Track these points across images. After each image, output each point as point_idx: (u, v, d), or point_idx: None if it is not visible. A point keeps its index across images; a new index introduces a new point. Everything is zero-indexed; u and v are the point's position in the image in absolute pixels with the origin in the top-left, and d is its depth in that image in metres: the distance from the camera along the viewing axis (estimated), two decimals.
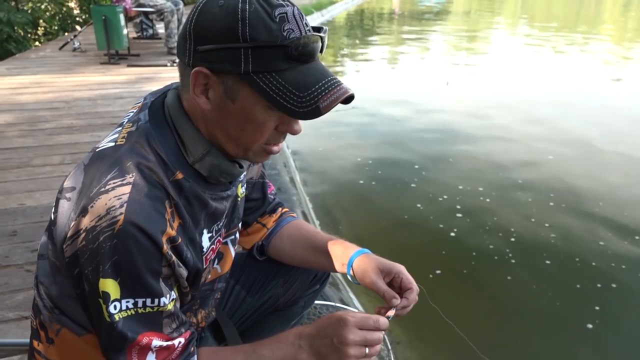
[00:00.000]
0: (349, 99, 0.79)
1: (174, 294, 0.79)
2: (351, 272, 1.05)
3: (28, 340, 1.42)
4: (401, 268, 1.01)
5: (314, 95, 0.73)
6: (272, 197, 1.19)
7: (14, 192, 2.57)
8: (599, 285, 2.48)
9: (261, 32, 0.71)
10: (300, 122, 0.81)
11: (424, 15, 17.32)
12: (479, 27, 14.93)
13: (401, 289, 0.99)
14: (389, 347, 1.86)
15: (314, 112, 0.73)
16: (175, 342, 0.78)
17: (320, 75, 0.76)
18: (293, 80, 0.73)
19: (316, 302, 1.85)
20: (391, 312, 0.95)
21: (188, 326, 0.82)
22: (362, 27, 14.23)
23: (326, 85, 0.75)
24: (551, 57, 9.34)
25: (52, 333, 0.84)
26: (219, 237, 0.94)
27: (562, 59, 9.09)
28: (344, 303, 2.02)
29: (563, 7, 23.51)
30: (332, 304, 1.92)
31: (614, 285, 2.48)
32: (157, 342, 0.76)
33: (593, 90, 6.86)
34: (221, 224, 0.94)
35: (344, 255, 1.07)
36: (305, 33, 0.74)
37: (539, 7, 23.93)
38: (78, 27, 8.86)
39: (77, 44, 6.45)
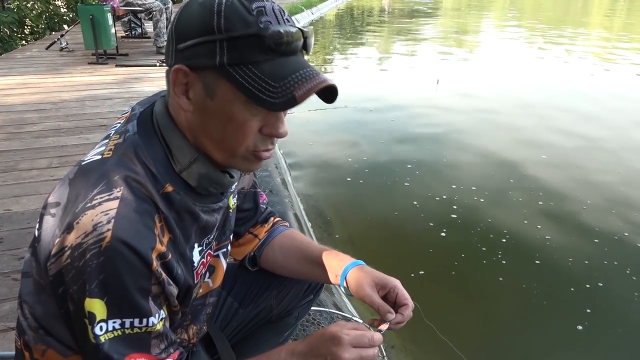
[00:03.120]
0: (331, 94, 0.77)
1: (163, 313, 0.76)
2: (345, 284, 1.03)
3: (14, 352, 1.38)
4: (397, 283, 0.99)
5: (290, 84, 0.71)
6: (264, 206, 1.16)
7: None
8: (588, 286, 2.48)
9: (236, 23, 0.70)
10: (287, 125, 0.79)
11: (413, 13, 17.32)
12: (469, 24, 14.96)
13: (396, 304, 0.97)
14: (384, 352, 1.85)
15: (290, 101, 0.71)
16: None
17: (297, 65, 0.73)
18: (269, 72, 0.71)
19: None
20: (384, 326, 0.93)
21: (177, 346, 0.80)
22: (352, 24, 14.21)
23: (303, 75, 0.72)
24: (542, 54, 9.37)
25: (37, 354, 0.81)
26: (209, 250, 0.92)
27: (553, 55, 9.12)
28: (337, 308, 2.00)
29: (552, 1, 23.63)
30: (326, 309, 1.90)
31: (600, 284, 2.49)
32: None
33: (585, 86, 6.90)
34: (212, 237, 0.91)
35: (338, 266, 1.04)
36: (284, 24, 0.72)
37: (528, 2, 24.04)
38: (65, 26, 8.75)
39: (64, 44, 6.37)
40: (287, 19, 0.74)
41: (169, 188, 0.77)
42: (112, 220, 0.68)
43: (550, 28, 13.83)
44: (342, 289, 1.04)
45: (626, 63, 8.59)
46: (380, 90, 6.33)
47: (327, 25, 13.35)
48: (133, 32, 7.36)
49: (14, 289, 1.83)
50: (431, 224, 3.01)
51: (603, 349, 2.17)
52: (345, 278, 1.02)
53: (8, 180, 2.71)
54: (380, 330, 0.91)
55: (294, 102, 0.71)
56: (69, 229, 0.68)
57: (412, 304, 0.98)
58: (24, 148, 3.17)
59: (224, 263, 1.00)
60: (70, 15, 9.43)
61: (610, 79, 7.42)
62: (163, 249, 0.73)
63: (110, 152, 0.75)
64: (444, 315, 2.25)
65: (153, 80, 5.02)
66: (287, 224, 1.21)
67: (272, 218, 1.19)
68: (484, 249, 2.76)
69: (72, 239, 0.68)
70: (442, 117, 5.22)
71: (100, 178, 0.71)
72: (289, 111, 0.79)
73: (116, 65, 5.58)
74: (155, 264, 0.71)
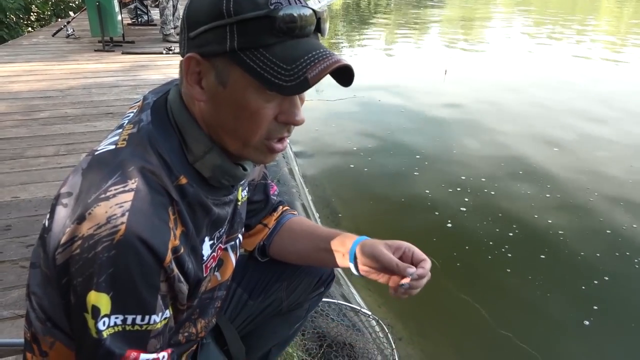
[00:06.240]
0: (347, 76, 0.74)
1: (167, 313, 0.74)
2: (354, 260, 1.01)
3: (23, 340, 1.38)
4: (410, 244, 0.98)
5: (302, 66, 0.68)
6: (274, 198, 1.15)
7: (7, 184, 2.51)
8: (596, 282, 2.46)
9: (246, 6, 0.67)
10: (302, 112, 0.76)
11: (421, 2, 17.17)
12: (477, 14, 14.82)
13: (412, 263, 0.96)
14: (393, 345, 1.84)
15: (302, 84, 0.67)
16: (160, 355, 0.74)
17: (310, 47, 0.70)
18: (281, 55, 0.68)
19: None
20: (406, 280, 0.91)
21: (167, 347, 0.78)
22: (359, 13, 14.10)
23: (316, 56, 0.69)
24: (550, 44, 9.27)
25: (45, 346, 0.79)
26: (219, 244, 0.90)
27: (561, 46, 9.02)
28: (345, 299, 1.99)
29: None
30: (335, 301, 1.89)
31: (607, 278, 2.47)
32: (144, 355, 0.71)
33: (596, 78, 6.82)
34: (223, 230, 0.89)
35: (347, 241, 1.03)
36: (296, 4, 0.69)
37: None
38: (71, 13, 8.71)
39: (70, 31, 6.34)
40: (299, 0, 0.71)
41: (183, 180, 0.75)
42: (127, 213, 0.66)
43: (559, 18, 13.67)
44: (351, 264, 1.01)
45: (637, 55, 8.48)
46: (388, 80, 6.29)
47: (334, 14, 13.25)
48: (139, 20, 7.32)
49: (22, 276, 1.83)
50: (441, 216, 2.99)
51: (611, 344, 2.15)
52: (355, 252, 1.00)
53: (15, 168, 2.70)
54: (403, 285, 0.91)
55: (306, 84, 0.68)
56: (80, 219, 0.66)
57: (430, 260, 0.96)
58: (30, 135, 3.16)
59: (232, 257, 0.99)
60: (77, 2, 9.39)
61: (623, 69, 7.33)
62: (176, 242, 0.72)
63: (125, 142, 0.73)
64: (446, 306, 2.24)
65: (159, 68, 4.99)
66: (295, 212, 1.20)
67: (280, 207, 1.17)
68: (490, 242, 2.74)
69: (84, 229, 0.66)
70: (451, 107, 5.18)
71: (114, 169, 0.69)
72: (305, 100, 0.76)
73: (122, 53, 5.56)
74: (168, 258, 0.69)
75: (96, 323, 0.66)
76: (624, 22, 13.78)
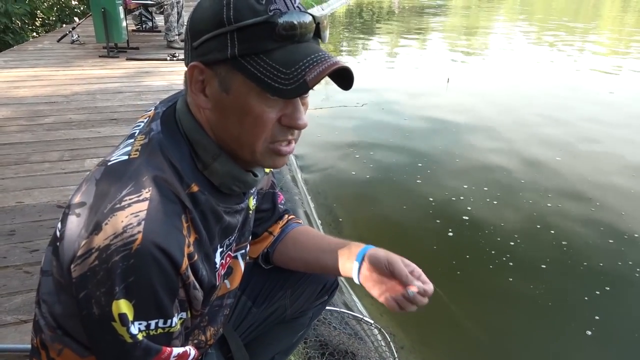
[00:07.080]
0: (347, 79, 0.76)
1: (184, 315, 0.76)
2: (360, 260, 1.01)
3: (27, 345, 1.38)
4: (420, 269, 1.01)
5: (301, 69, 0.69)
6: (281, 207, 1.16)
7: (11, 189, 2.53)
8: (597, 292, 2.45)
9: (246, 13, 0.69)
10: (305, 117, 0.77)
11: (424, 10, 17.24)
12: (479, 22, 14.88)
13: None
14: (395, 354, 1.84)
15: (301, 86, 0.69)
16: (187, 347, 0.77)
17: (309, 51, 0.71)
18: (280, 59, 0.70)
19: None
20: (415, 289, 0.95)
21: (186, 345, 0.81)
22: (362, 21, 14.17)
23: (314, 59, 0.70)
24: (552, 53, 9.29)
25: (53, 353, 0.80)
26: (229, 252, 0.91)
27: (563, 55, 9.04)
28: (347, 307, 1.99)
29: (563, 1, 23.43)
30: (337, 309, 1.89)
31: (607, 288, 2.46)
32: (176, 350, 0.75)
33: (598, 86, 6.83)
34: (232, 238, 0.90)
35: (352, 248, 1.04)
36: (294, 10, 0.71)
37: (538, 2, 23.86)
38: (76, 19, 8.77)
39: (75, 36, 6.38)
40: (298, 6, 0.73)
41: (195, 188, 0.76)
42: (143, 222, 0.67)
43: (561, 27, 13.71)
44: (355, 272, 1.02)
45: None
46: (391, 88, 6.31)
47: (337, 22, 13.31)
48: (144, 26, 7.36)
49: (25, 281, 1.84)
50: (442, 225, 2.99)
51: (613, 354, 2.15)
52: (365, 254, 1.01)
53: (20, 173, 2.71)
54: (410, 292, 0.94)
55: (305, 86, 0.69)
56: (96, 230, 0.67)
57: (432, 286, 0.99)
58: (35, 140, 3.18)
59: (242, 264, 1.00)
60: (82, 8, 9.45)
61: (626, 79, 7.35)
62: (191, 249, 0.73)
63: (137, 153, 0.74)
64: (448, 315, 2.24)
65: (164, 74, 5.01)
66: (300, 221, 1.21)
67: (286, 215, 1.18)
68: (492, 252, 2.73)
69: (100, 240, 0.67)
70: (454, 116, 5.18)
71: (128, 179, 0.70)
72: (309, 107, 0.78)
73: (127, 59, 5.59)
74: (185, 265, 0.71)
75: (128, 329, 0.68)
76: (627, 31, 13.80)
